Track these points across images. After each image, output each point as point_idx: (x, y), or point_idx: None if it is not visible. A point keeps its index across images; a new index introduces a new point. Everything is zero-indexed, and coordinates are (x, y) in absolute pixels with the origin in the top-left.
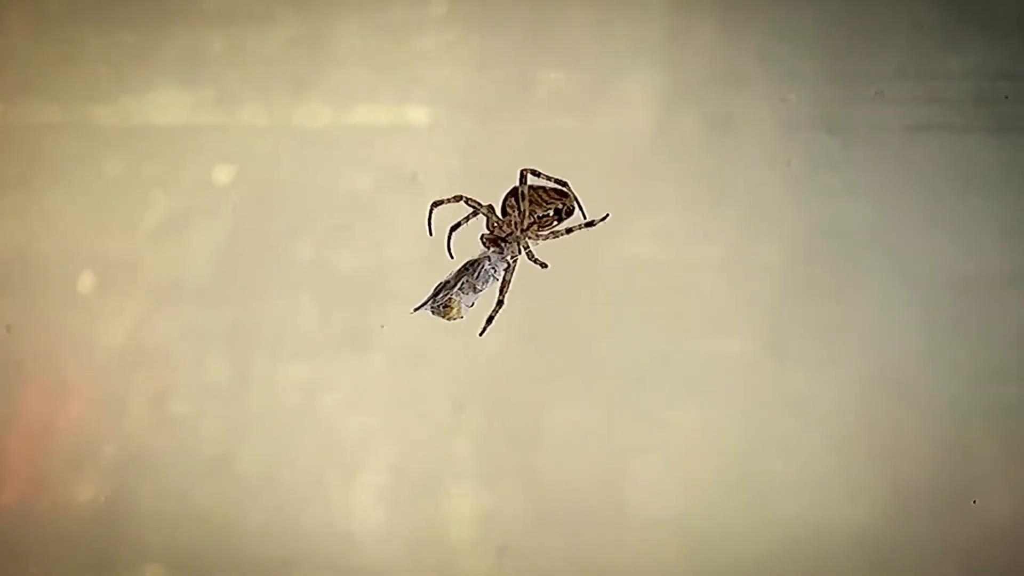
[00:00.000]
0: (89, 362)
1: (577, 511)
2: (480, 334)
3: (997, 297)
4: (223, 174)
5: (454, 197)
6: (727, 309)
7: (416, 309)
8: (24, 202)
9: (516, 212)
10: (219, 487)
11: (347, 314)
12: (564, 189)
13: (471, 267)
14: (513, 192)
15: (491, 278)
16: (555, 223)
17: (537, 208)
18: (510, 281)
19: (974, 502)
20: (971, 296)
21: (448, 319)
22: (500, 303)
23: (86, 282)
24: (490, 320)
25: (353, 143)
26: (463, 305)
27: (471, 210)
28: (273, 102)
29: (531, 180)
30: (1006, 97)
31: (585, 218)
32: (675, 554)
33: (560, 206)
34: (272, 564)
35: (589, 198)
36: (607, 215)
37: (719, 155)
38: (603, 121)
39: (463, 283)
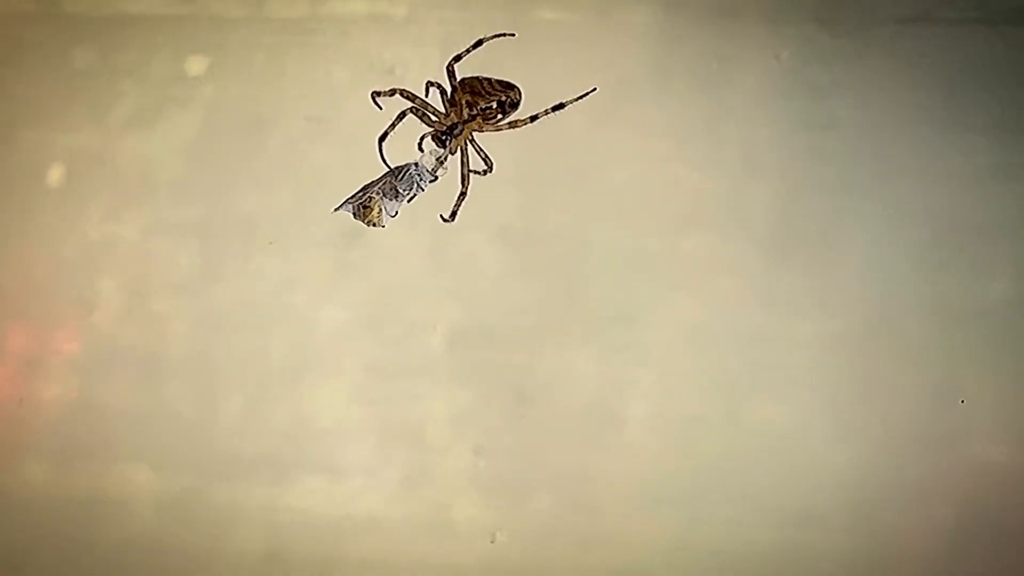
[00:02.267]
0: (58, 257)
1: (556, 413)
2: (447, 219)
3: (988, 191)
4: (195, 65)
5: (389, 91)
6: (719, 213)
7: (336, 208)
8: None
9: (459, 102)
10: (191, 384)
11: (322, 208)
12: (511, 83)
13: (396, 171)
14: (455, 85)
15: (415, 184)
16: (499, 116)
17: (480, 99)
18: (468, 175)
19: (962, 401)
20: (963, 191)
21: (367, 222)
22: (463, 194)
23: (55, 175)
24: (455, 211)
25: (329, 34)
26: (384, 211)
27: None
28: None
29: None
30: None
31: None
32: (656, 458)
33: (503, 98)
34: (245, 461)
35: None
36: (560, 105)
37: (705, 50)
38: (595, 15)
39: (385, 184)
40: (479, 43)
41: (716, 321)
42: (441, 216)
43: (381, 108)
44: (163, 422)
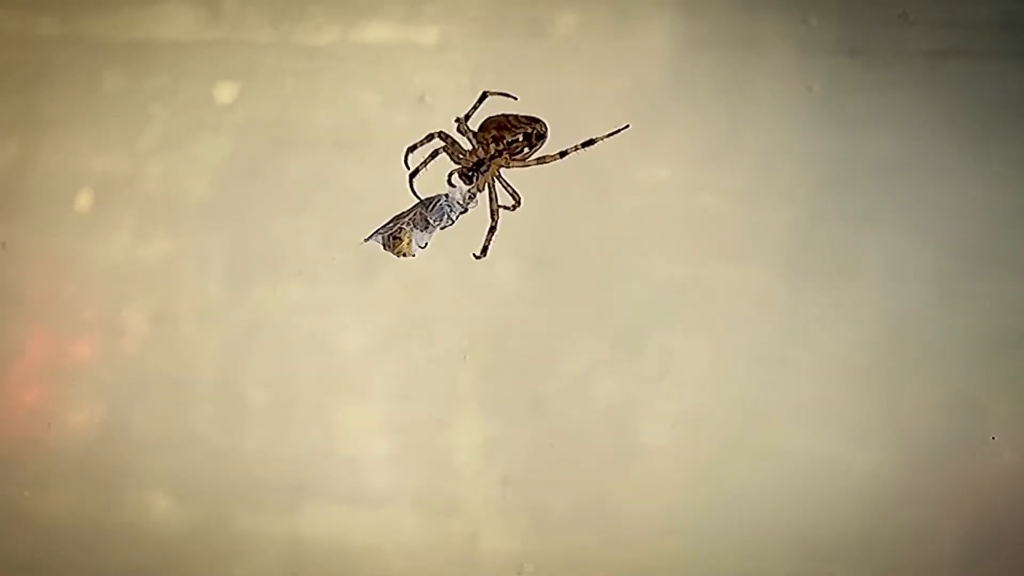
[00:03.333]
0: (86, 281)
1: (583, 443)
2: (478, 256)
3: (1018, 228)
4: (225, 91)
5: (426, 137)
6: (743, 241)
7: (367, 239)
8: (22, 116)
9: (484, 139)
10: (218, 411)
11: (351, 235)
12: (537, 117)
13: (427, 202)
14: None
15: (445, 215)
16: (525, 149)
17: (506, 133)
18: (497, 209)
19: (993, 438)
20: (992, 227)
21: (397, 253)
22: (492, 228)
23: (84, 199)
24: (486, 246)
25: (359, 61)
26: (415, 241)
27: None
28: (278, 18)
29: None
30: None
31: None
32: (681, 488)
33: (530, 130)
34: (272, 489)
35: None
36: (590, 141)
37: (738, 78)
38: (620, 42)
39: (415, 215)
40: (484, 96)
41: (738, 350)
42: (474, 254)
43: (413, 168)
44: (188, 448)
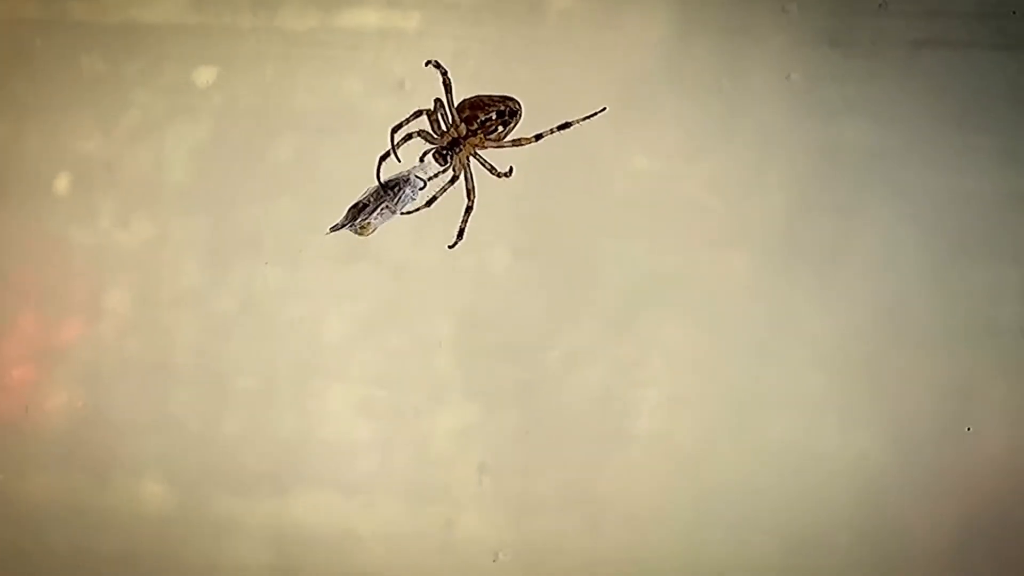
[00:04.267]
0: (66, 266)
1: (563, 430)
2: (451, 246)
3: (998, 217)
4: (204, 75)
5: (413, 114)
6: (730, 229)
7: (333, 229)
8: (0, 100)
9: (457, 120)
10: (197, 394)
11: (331, 221)
12: (510, 95)
13: (390, 191)
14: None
15: (410, 200)
16: (499, 127)
17: (479, 112)
18: (473, 189)
19: (968, 429)
20: (973, 216)
21: (361, 235)
22: (469, 209)
23: (63, 183)
24: (462, 231)
25: (340, 47)
26: (379, 226)
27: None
28: (259, 2)
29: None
30: (1013, 12)
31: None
32: (664, 476)
33: (502, 107)
34: (249, 474)
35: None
36: (566, 124)
37: (716, 67)
38: (605, 32)
39: (383, 208)
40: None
41: (724, 337)
42: (448, 246)
43: (400, 160)
44: (168, 433)
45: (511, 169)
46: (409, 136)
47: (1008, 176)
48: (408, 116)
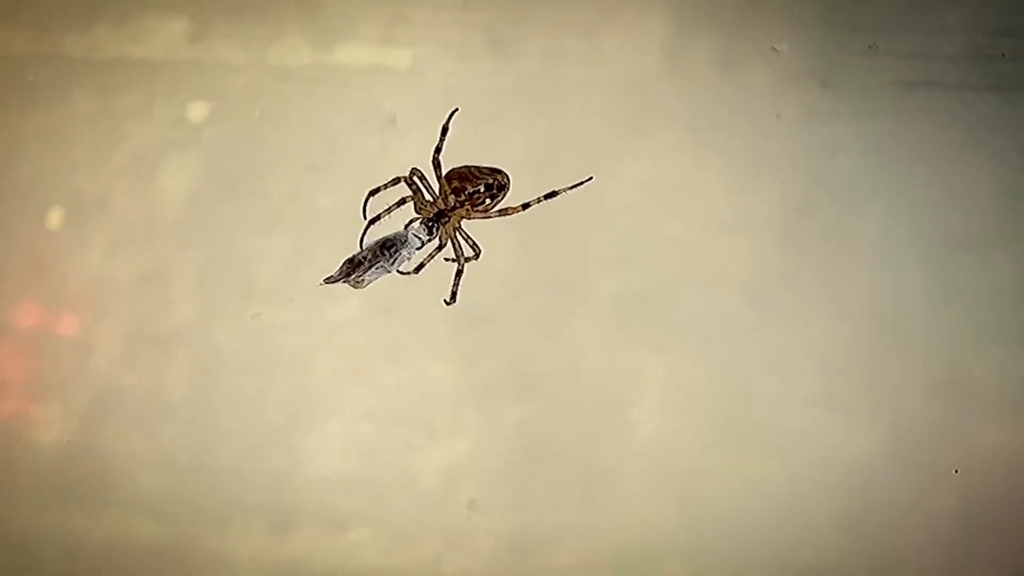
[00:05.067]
0: (56, 299)
1: (551, 467)
2: (449, 302)
3: (987, 256)
4: (197, 111)
5: (392, 180)
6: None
7: (328, 281)
8: None
9: (445, 190)
10: (186, 429)
11: (321, 256)
12: (498, 168)
13: (386, 250)
14: (446, 173)
15: (405, 260)
16: (487, 200)
17: (468, 184)
18: (461, 255)
19: (955, 471)
20: (961, 256)
21: (356, 289)
22: (459, 273)
23: (56, 217)
24: (454, 291)
25: (332, 83)
26: (373, 280)
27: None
28: (251, 38)
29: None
30: (1003, 55)
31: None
32: (664, 504)
33: (491, 181)
34: (238, 508)
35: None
36: (552, 193)
37: (706, 104)
38: (590, 69)
39: (378, 267)
40: (445, 129)
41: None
42: (444, 300)
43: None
44: (158, 468)
45: (478, 254)
46: (403, 201)
47: (996, 216)
48: (386, 182)
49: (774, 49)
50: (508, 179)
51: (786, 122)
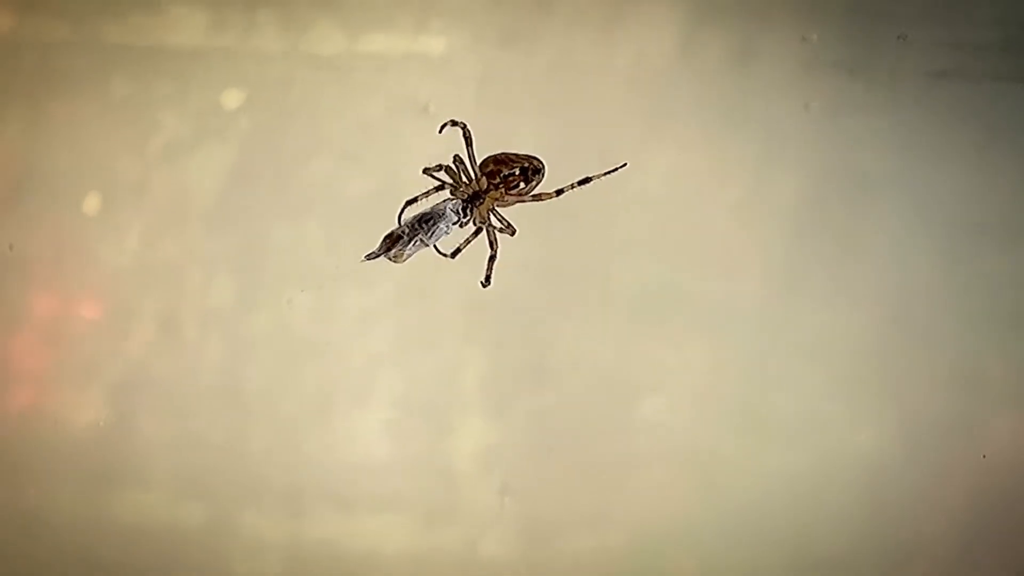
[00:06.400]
0: (93, 284)
1: (586, 452)
2: (485, 284)
3: (1013, 245)
4: (233, 98)
5: (435, 166)
6: (740, 245)
7: (368, 257)
8: (31, 120)
9: (481, 173)
10: (222, 413)
11: (355, 243)
12: (535, 156)
13: (424, 223)
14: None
15: (443, 234)
16: (521, 184)
17: (503, 167)
18: (496, 239)
19: (983, 456)
20: (987, 242)
21: (396, 263)
22: (493, 257)
23: (92, 203)
24: (489, 274)
25: (365, 71)
26: (413, 254)
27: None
28: (286, 26)
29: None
30: None
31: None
32: (683, 493)
33: (526, 165)
34: (273, 492)
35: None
36: (586, 179)
37: (735, 93)
38: (620, 55)
39: (417, 241)
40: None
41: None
42: (481, 283)
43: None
44: (191, 450)
45: (514, 231)
46: (441, 186)
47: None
48: (428, 190)
49: (804, 39)
50: (543, 165)
51: (814, 112)
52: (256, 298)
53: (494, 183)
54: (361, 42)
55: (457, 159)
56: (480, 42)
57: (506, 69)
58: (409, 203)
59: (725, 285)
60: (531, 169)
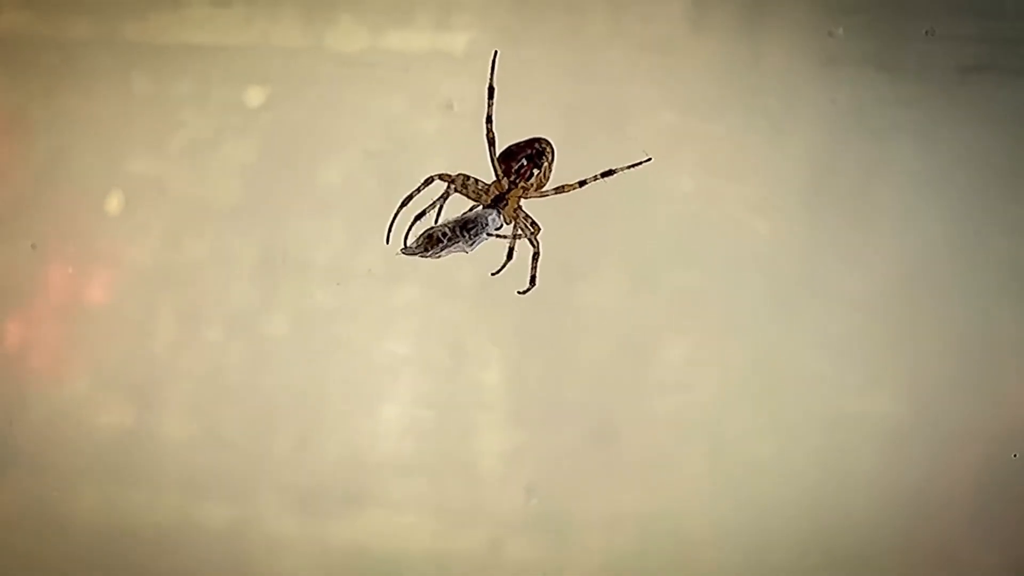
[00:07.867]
0: (115, 283)
1: (610, 454)
2: (523, 292)
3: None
4: (254, 95)
5: (424, 182)
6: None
7: (405, 252)
8: (52, 119)
9: (498, 174)
10: (244, 413)
11: (377, 241)
12: (536, 137)
13: (466, 231)
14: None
15: (483, 242)
16: (533, 172)
17: (512, 162)
18: (533, 236)
19: (1014, 456)
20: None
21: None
22: (536, 255)
23: (114, 201)
24: (533, 275)
25: (388, 68)
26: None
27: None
28: (308, 23)
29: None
30: None
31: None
32: (709, 491)
33: (529, 151)
34: (295, 493)
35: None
36: (610, 172)
37: (761, 89)
38: (646, 70)
39: (457, 245)
40: (492, 90)
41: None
42: (521, 290)
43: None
44: (215, 451)
45: (538, 229)
46: (447, 195)
47: None
48: (435, 200)
49: (830, 34)
50: (545, 144)
51: (840, 107)
52: (280, 296)
53: (511, 180)
54: (384, 39)
55: (463, 177)
56: (503, 40)
57: (528, 66)
58: (418, 218)
59: (735, 278)
60: (534, 153)
